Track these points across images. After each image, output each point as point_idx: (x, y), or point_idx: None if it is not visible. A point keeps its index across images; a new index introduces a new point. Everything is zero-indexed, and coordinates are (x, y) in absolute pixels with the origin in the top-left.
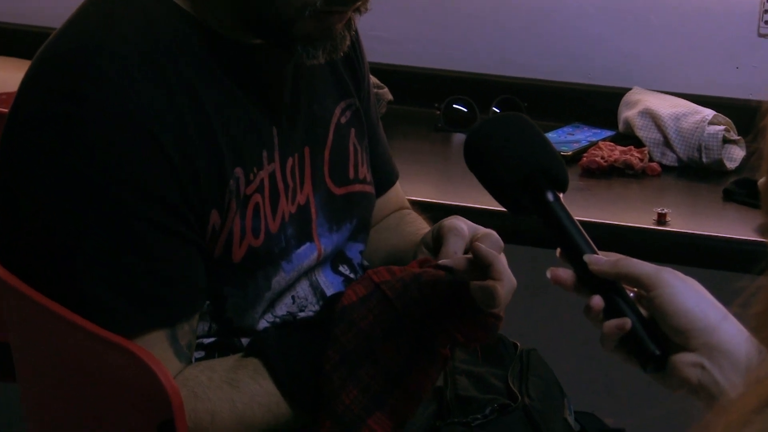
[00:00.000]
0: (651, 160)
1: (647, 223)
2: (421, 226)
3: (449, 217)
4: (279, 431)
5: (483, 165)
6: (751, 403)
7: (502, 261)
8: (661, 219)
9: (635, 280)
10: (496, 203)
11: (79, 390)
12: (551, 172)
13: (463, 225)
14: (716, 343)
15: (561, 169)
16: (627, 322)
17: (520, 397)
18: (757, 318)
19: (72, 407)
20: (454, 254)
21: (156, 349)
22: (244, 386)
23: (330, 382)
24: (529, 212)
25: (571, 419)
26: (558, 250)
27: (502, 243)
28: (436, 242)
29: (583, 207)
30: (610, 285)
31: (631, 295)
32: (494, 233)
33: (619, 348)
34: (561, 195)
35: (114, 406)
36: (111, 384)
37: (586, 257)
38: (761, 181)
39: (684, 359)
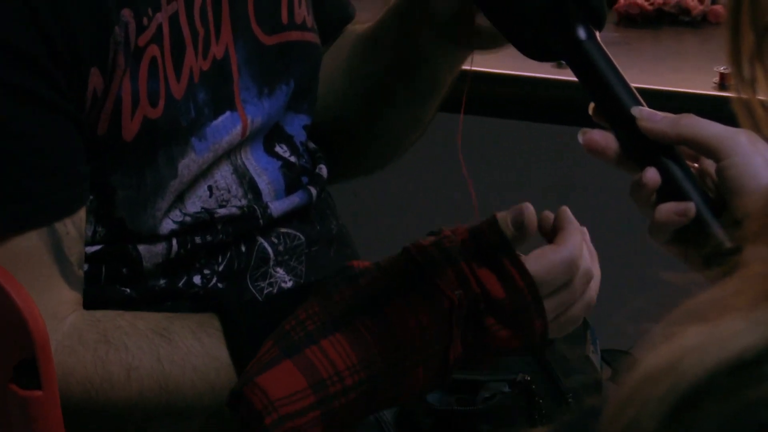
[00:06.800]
0: (714, 2)
1: (705, 87)
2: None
3: None
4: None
5: None
6: None
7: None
8: (724, 81)
9: (702, 145)
10: (511, 67)
11: None
12: (586, 1)
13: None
14: None
15: None
16: (691, 207)
17: None
18: None
19: None
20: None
21: (35, 264)
22: (178, 339)
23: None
24: (555, 56)
25: (595, 358)
26: (591, 106)
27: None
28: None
29: (620, 65)
30: (665, 153)
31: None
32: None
33: (673, 240)
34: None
35: None
36: None
37: (636, 110)
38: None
39: (762, 254)
